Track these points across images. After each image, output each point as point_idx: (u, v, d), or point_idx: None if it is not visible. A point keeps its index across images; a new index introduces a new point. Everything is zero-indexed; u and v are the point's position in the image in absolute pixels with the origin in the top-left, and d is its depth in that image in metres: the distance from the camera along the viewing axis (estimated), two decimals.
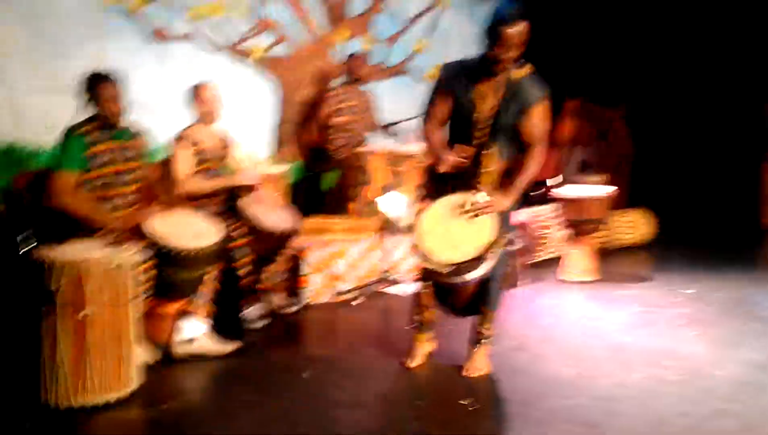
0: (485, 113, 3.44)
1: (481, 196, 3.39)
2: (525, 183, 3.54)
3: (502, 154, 3.52)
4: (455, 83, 3.45)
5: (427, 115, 3.55)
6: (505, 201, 3.49)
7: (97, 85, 3.76)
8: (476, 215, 3.38)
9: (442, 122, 3.52)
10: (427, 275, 3.55)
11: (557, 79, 8.37)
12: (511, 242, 3.75)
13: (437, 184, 3.55)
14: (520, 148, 3.54)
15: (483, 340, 3.70)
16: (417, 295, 3.78)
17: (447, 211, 3.41)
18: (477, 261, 3.30)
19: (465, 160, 3.43)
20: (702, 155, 8.88)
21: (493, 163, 3.50)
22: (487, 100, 3.44)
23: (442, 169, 3.44)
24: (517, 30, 3.25)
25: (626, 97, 8.68)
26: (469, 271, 3.31)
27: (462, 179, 3.48)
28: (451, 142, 3.51)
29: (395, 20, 7.69)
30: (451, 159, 3.41)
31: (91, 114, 3.82)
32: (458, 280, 3.38)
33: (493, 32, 3.27)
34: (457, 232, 3.35)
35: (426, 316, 3.76)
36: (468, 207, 3.38)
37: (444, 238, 3.33)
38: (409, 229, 3.34)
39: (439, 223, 3.36)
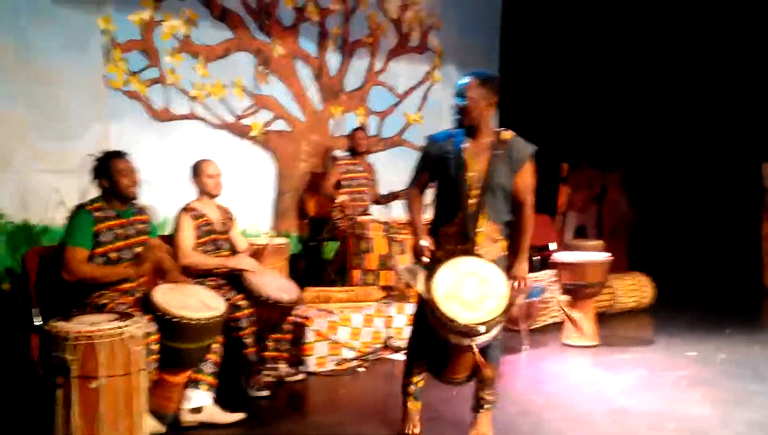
0: (477, 173, 3.52)
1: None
2: (529, 241, 3.65)
3: (494, 215, 3.55)
4: (440, 148, 3.59)
5: (411, 179, 3.74)
6: (525, 266, 3.63)
7: (111, 160, 3.91)
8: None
9: (423, 187, 3.72)
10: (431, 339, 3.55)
11: (553, 144, 8.63)
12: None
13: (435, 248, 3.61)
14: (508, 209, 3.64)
15: (486, 406, 3.70)
16: (410, 362, 3.76)
17: (459, 273, 3.41)
18: (493, 322, 3.32)
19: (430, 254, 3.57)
20: (700, 216, 8.97)
21: (486, 223, 3.54)
22: (477, 159, 3.53)
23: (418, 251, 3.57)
24: (465, 86, 3.52)
25: (622, 161, 8.83)
26: (483, 333, 3.32)
27: (458, 240, 3.54)
28: (441, 205, 3.62)
29: (388, 95, 7.92)
30: (425, 248, 3.55)
31: (98, 193, 3.94)
32: (469, 341, 3.39)
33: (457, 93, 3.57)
34: (472, 294, 3.37)
35: (419, 384, 3.77)
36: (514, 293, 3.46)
37: (460, 300, 3.34)
38: (425, 294, 3.36)
39: (454, 287, 3.37)
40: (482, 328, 3.27)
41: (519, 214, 3.62)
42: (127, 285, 3.90)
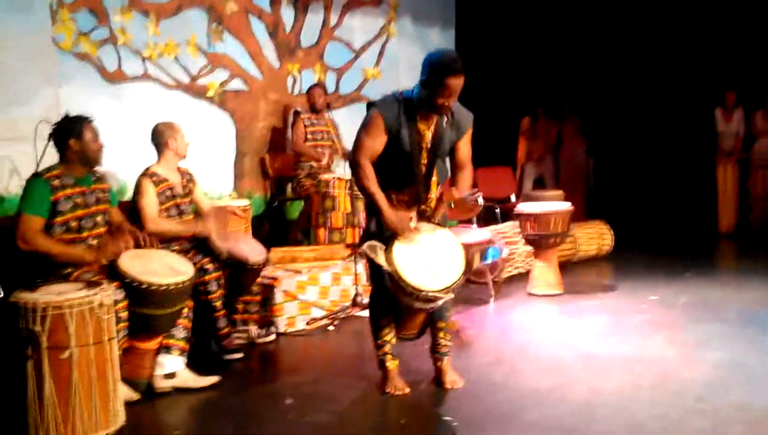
0: (428, 142, 3.58)
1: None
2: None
3: (441, 179, 3.72)
4: (395, 121, 3.50)
5: (363, 148, 3.52)
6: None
7: (83, 124, 3.77)
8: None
9: (374, 157, 3.53)
10: (392, 302, 3.58)
11: (512, 97, 8.67)
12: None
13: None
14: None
15: (448, 352, 3.81)
16: (378, 322, 3.77)
17: (414, 242, 3.47)
18: (454, 286, 3.42)
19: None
20: (656, 163, 9.13)
21: (435, 189, 3.69)
22: (428, 129, 3.57)
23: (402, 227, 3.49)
24: (461, 81, 3.40)
25: (577, 110, 8.90)
26: (446, 298, 3.43)
27: (408, 207, 3.61)
28: (390, 177, 3.56)
29: (345, 50, 7.83)
30: (406, 221, 3.50)
31: (57, 159, 3.82)
32: (431, 305, 3.48)
33: (438, 81, 3.37)
34: (431, 260, 3.43)
35: (392, 341, 3.80)
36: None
37: (421, 268, 3.39)
38: (387, 266, 3.37)
39: (412, 256, 3.41)
40: (446, 295, 3.36)
41: (459, 176, 3.71)
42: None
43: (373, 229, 3.59)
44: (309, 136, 6.53)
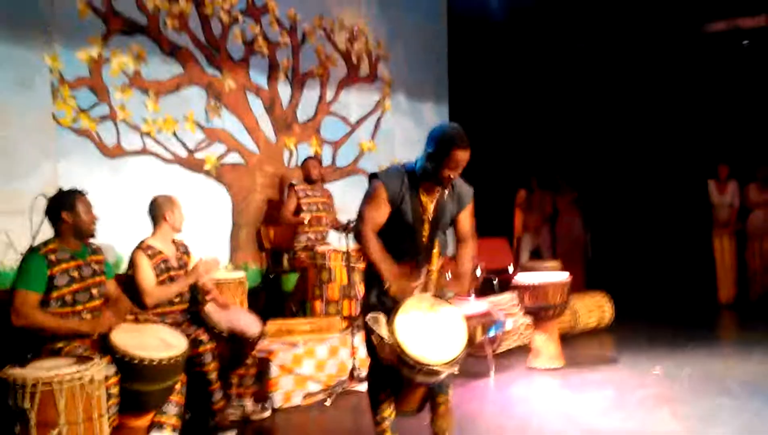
0: (430, 214, 3.58)
1: (449, 293, 3.48)
2: (469, 271, 3.74)
3: (443, 251, 3.70)
4: (399, 192, 3.50)
5: (367, 220, 3.50)
6: (464, 285, 3.65)
7: (76, 197, 3.79)
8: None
9: (378, 227, 3.51)
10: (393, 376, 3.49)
11: (504, 168, 8.73)
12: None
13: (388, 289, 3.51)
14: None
15: (448, 428, 3.71)
16: (376, 397, 3.68)
17: (416, 313, 3.41)
18: (457, 360, 3.34)
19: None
20: (654, 235, 9.15)
21: (436, 260, 3.65)
22: (430, 201, 3.58)
23: (407, 290, 3.44)
24: (467, 154, 3.42)
25: (576, 183, 8.97)
26: (448, 372, 3.36)
27: (410, 278, 3.54)
28: (392, 248, 3.51)
29: (340, 124, 7.93)
30: (411, 289, 3.46)
31: (52, 233, 3.81)
32: (434, 379, 3.42)
33: (445, 154, 3.39)
34: (433, 333, 3.37)
35: (392, 416, 3.71)
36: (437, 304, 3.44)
37: (424, 341, 3.33)
38: (389, 338, 3.31)
39: (415, 328, 3.35)
40: (449, 369, 3.30)
41: (461, 250, 3.74)
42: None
43: (373, 301, 3.55)
44: (304, 208, 6.53)
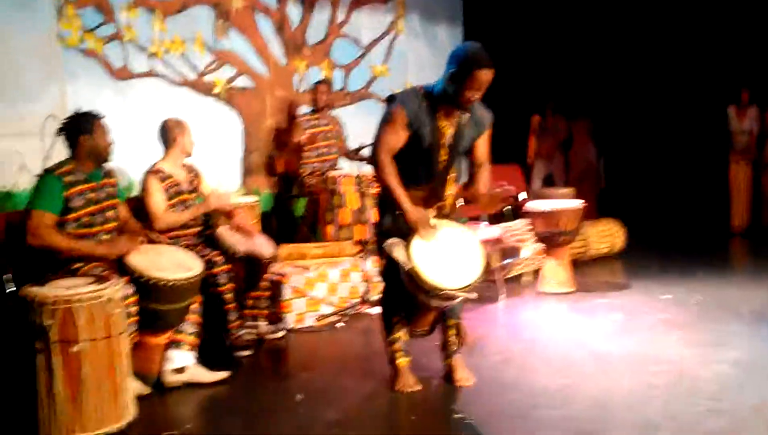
0: (448, 139, 3.53)
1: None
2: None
3: (458, 177, 3.68)
4: (417, 116, 3.45)
5: (383, 144, 3.47)
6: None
7: (94, 120, 3.78)
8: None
9: (395, 152, 3.48)
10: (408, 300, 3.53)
11: (518, 93, 8.61)
12: None
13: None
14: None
15: (459, 350, 3.80)
16: (390, 320, 3.73)
17: (434, 239, 3.40)
18: (473, 285, 3.36)
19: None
20: (668, 161, 9.06)
21: (453, 186, 3.64)
22: (449, 126, 3.52)
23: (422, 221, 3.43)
24: (491, 75, 3.34)
25: (590, 108, 8.84)
26: (464, 296, 3.38)
27: (426, 204, 3.55)
28: (408, 172, 3.50)
29: (352, 47, 7.79)
30: (427, 218, 3.44)
31: (67, 154, 3.80)
32: (449, 303, 3.45)
33: (467, 74, 3.31)
34: (450, 258, 3.38)
35: (404, 338, 3.76)
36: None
37: (441, 266, 3.34)
38: (406, 264, 3.32)
39: (432, 253, 3.35)
40: (465, 293, 3.31)
41: (478, 174, 3.70)
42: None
43: (387, 226, 3.55)
44: (310, 137, 6.46)
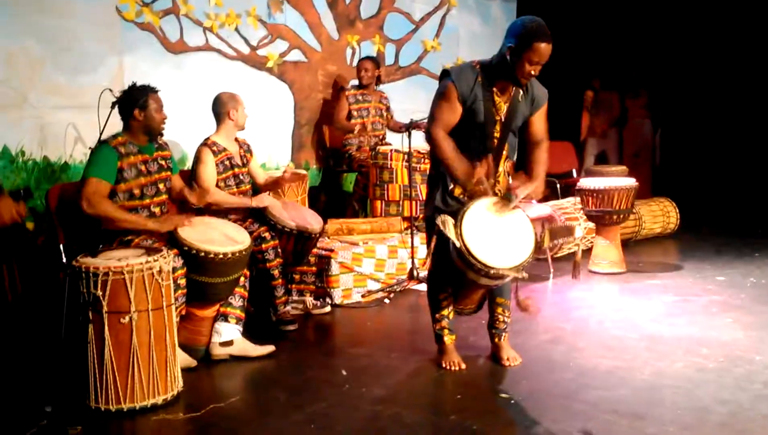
0: (502, 116, 3.47)
1: (514, 195, 3.39)
2: (543, 175, 3.60)
3: (511, 154, 3.62)
4: (471, 91, 3.40)
5: (438, 120, 3.44)
6: (536, 187, 3.53)
7: (149, 94, 3.82)
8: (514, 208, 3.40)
9: (450, 128, 3.44)
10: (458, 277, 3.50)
11: (572, 69, 8.43)
12: None
13: (453, 191, 3.50)
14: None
15: (507, 329, 3.78)
16: (436, 297, 3.73)
17: (484, 216, 3.35)
18: (524, 265, 3.32)
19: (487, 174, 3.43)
20: (726, 140, 8.80)
21: (504, 163, 3.59)
22: (503, 102, 3.47)
23: (474, 182, 3.37)
24: (550, 48, 3.27)
25: (647, 85, 8.61)
26: (513, 274, 3.32)
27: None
28: (462, 148, 3.44)
29: (404, 21, 7.72)
30: (481, 172, 3.36)
31: (121, 127, 3.86)
32: (498, 282, 3.42)
33: (527, 46, 3.24)
34: (501, 237, 3.33)
35: (450, 316, 3.75)
36: (504, 206, 3.38)
37: (492, 244, 3.29)
38: (457, 241, 3.28)
39: (483, 232, 3.31)
40: (515, 273, 3.26)
41: (536, 153, 3.61)
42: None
43: (437, 203, 3.52)
44: (355, 114, 6.47)
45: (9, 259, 4.36)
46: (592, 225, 5.87)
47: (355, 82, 6.74)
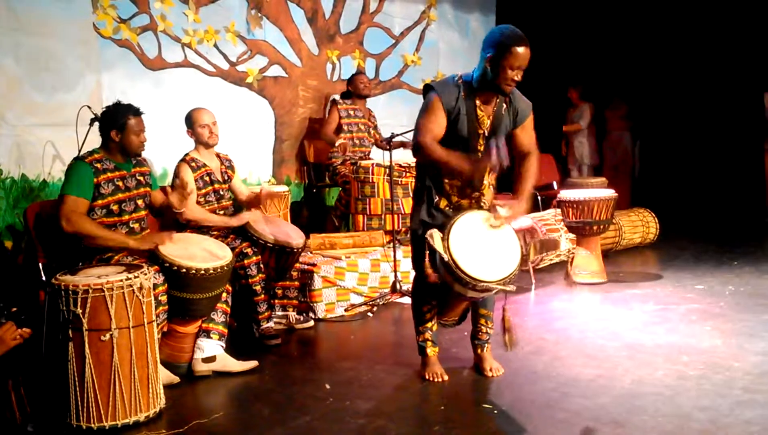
0: (486, 128, 3.49)
1: (502, 210, 3.41)
2: (531, 187, 3.61)
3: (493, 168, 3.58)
4: (455, 105, 3.42)
5: (426, 131, 3.42)
6: (523, 206, 3.53)
7: (128, 116, 3.78)
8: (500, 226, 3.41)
9: (437, 140, 3.43)
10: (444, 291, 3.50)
11: (551, 82, 8.51)
12: None
13: (439, 204, 3.52)
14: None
15: (489, 340, 3.79)
16: (420, 309, 3.74)
17: (471, 230, 3.37)
18: (510, 277, 3.35)
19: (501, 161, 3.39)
20: (703, 150, 8.91)
21: (489, 175, 3.58)
22: (486, 114, 3.48)
23: (482, 169, 3.40)
24: (528, 52, 3.28)
25: (625, 96, 8.71)
26: (501, 288, 3.35)
27: (463, 193, 3.53)
28: None
29: (384, 36, 7.78)
30: (493, 159, 3.34)
31: (99, 144, 3.84)
32: (485, 294, 3.44)
33: (506, 51, 3.25)
34: (487, 250, 3.34)
35: (433, 328, 3.76)
36: (493, 223, 3.39)
37: (479, 258, 3.31)
38: (444, 255, 3.29)
39: (470, 245, 3.32)
40: (503, 286, 3.29)
41: (524, 165, 3.62)
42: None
43: (423, 216, 3.52)
44: (345, 128, 6.48)
45: None
46: (573, 236, 5.91)
47: (336, 97, 6.77)
